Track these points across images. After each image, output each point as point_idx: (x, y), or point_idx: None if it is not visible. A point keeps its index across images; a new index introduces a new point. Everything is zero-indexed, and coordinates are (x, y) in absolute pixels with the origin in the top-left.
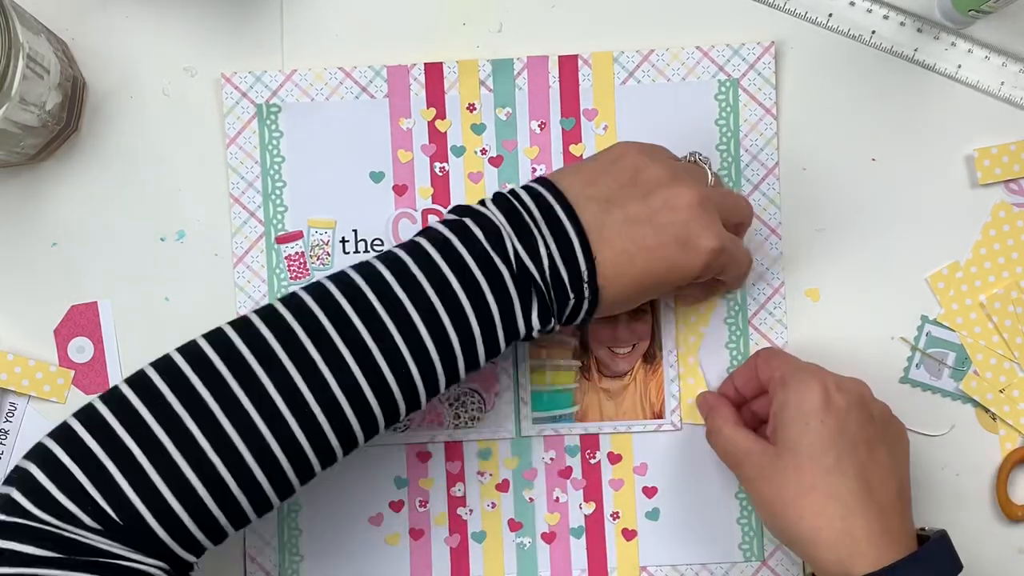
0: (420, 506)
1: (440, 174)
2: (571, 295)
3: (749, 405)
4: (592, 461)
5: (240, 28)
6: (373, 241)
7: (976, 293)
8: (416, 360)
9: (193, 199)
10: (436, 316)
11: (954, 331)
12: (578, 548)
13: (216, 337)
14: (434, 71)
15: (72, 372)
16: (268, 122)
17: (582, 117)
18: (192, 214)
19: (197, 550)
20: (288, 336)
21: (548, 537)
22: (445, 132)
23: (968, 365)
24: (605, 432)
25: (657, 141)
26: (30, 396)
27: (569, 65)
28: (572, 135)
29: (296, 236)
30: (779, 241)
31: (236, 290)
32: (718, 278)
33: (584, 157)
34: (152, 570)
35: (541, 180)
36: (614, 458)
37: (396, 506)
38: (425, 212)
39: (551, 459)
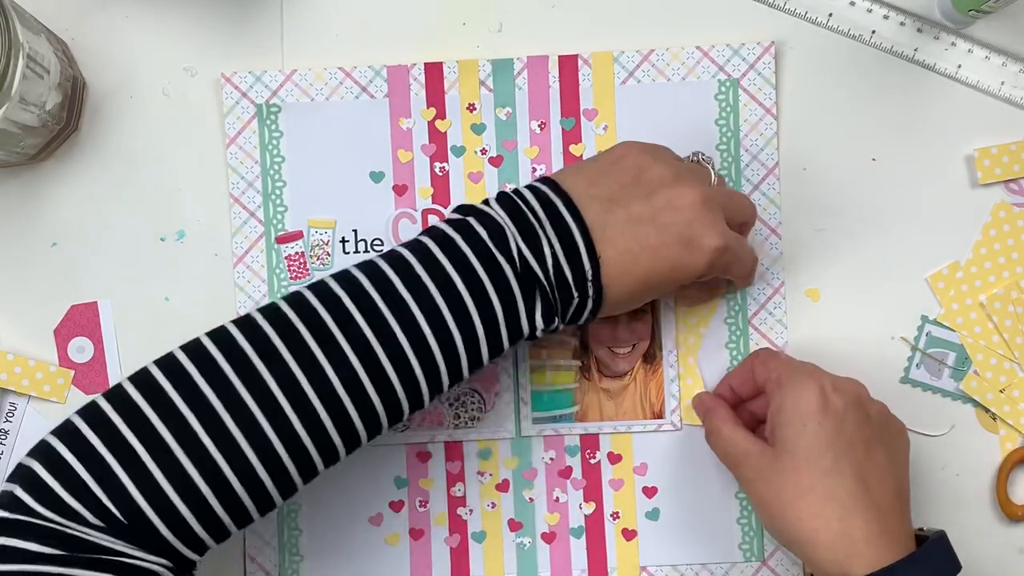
0: (420, 506)
1: (440, 174)
2: (575, 294)
3: (747, 405)
4: (592, 461)
5: (240, 28)
6: (373, 241)
7: (976, 293)
8: (419, 358)
9: (193, 199)
10: (439, 314)
11: (954, 331)
12: (578, 548)
13: (218, 334)
14: (434, 71)
15: (72, 372)
16: (268, 122)
17: (582, 117)
18: (192, 214)
19: (200, 548)
20: (290, 333)
21: (548, 537)
22: (445, 132)
23: (968, 365)
24: (605, 432)
25: (657, 141)
26: (30, 396)
27: (569, 65)
28: (572, 135)
29: (296, 236)
30: (779, 241)
31: (236, 290)
32: (725, 277)
33: (584, 157)
34: (155, 567)
35: (544, 180)
36: (614, 458)
37: (396, 506)
38: (425, 212)
39: (551, 459)
